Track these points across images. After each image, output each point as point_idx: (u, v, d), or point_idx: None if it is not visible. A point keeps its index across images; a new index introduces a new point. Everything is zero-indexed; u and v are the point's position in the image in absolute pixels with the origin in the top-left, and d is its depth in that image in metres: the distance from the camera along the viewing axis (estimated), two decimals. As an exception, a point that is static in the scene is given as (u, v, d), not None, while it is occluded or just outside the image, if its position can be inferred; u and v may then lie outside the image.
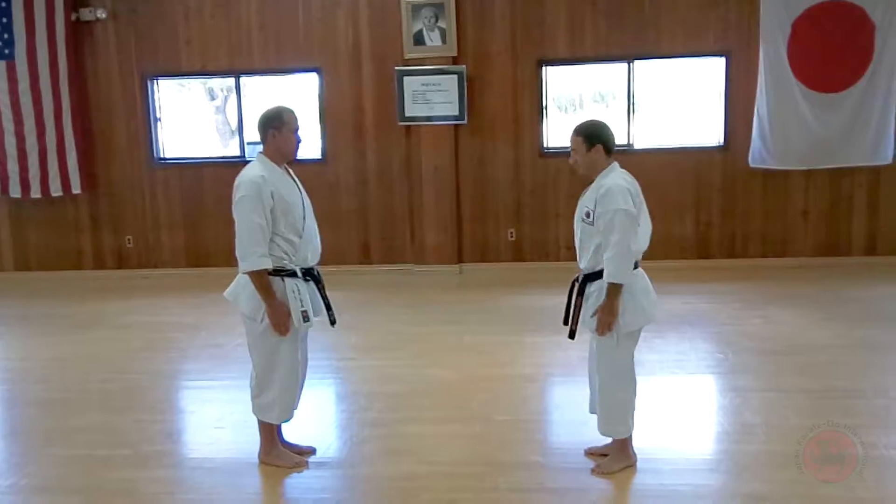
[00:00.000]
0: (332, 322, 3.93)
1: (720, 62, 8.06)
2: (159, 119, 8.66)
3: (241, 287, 3.77)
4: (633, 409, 3.78)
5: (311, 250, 3.82)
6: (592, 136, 3.64)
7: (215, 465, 3.97)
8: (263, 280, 3.62)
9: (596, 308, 3.62)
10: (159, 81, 8.63)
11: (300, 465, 3.89)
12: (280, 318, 3.66)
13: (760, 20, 7.66)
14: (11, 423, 4.79)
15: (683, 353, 5.47)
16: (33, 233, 8.79)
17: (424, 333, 6.24)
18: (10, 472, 3.98)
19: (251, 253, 3.57)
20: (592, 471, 3.76)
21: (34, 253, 8.82)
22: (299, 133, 3.80)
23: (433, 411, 4.60)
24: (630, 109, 8.17)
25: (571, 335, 3.76)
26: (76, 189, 8.44)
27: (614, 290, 3.55)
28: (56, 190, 8.42)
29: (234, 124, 8.71)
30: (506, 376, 5.17)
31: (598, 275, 3.62)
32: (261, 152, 3.78)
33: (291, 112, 3.79)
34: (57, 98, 8.30)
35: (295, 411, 3.95)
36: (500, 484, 3.68)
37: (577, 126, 3.70)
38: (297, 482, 3.79)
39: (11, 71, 8.25)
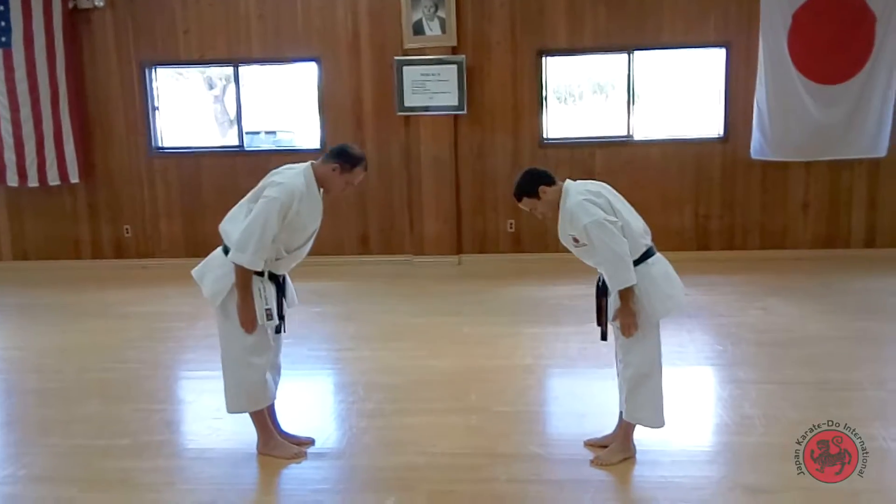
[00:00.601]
0: (278, 331, 3.90)
1: (720, 53, 8.04)
2: (157, 108, 8.63)
3: (208, 268, 3.80)
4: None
5: (287, 266, 3.87)
6: (530, 188, 3.74)
7: (214, 456, 3.97)
8: (248, 277, 3.65)
9: (614, 312, 3.64)
10: (157, 70, 8.58)
11: (299, 456, 3.89)
12: (249, 315, 3.68)
13: (761, 11, 7.62)
14: (9, 413, 4.78)
15: (682, 344, 5.46)
16: (31, 222, 8.76)
17: (423, 324, 6.23)
18: (7, 462, 3.98)
19: (254, 251, 3.58)
20: (591, 462, 3.76)
21: (32, 242, 8.80)
22: (353, 186, 3.91)
23: (432, 402, 4.59)
24: (630, 100, 8.14)
25: (603, 336, 3.80)
26: (74, 178, 8.41)
27: (624, 293, 3.57)
28: (53, 179, 8.39)
29: (233, 113, 8.68)
30: (505, 367, 5.17)
31: None
32: (314, 164, 3.82)
33: (365, 168, 3.88)
34: (54, 86, 8.26)
35: (274, 400, 3.95)
36: (499, 475, 3.68)
37: (514, 193, 3.82)
38: (295, 473, 3.79)
39: (8, 59, 8.19)
